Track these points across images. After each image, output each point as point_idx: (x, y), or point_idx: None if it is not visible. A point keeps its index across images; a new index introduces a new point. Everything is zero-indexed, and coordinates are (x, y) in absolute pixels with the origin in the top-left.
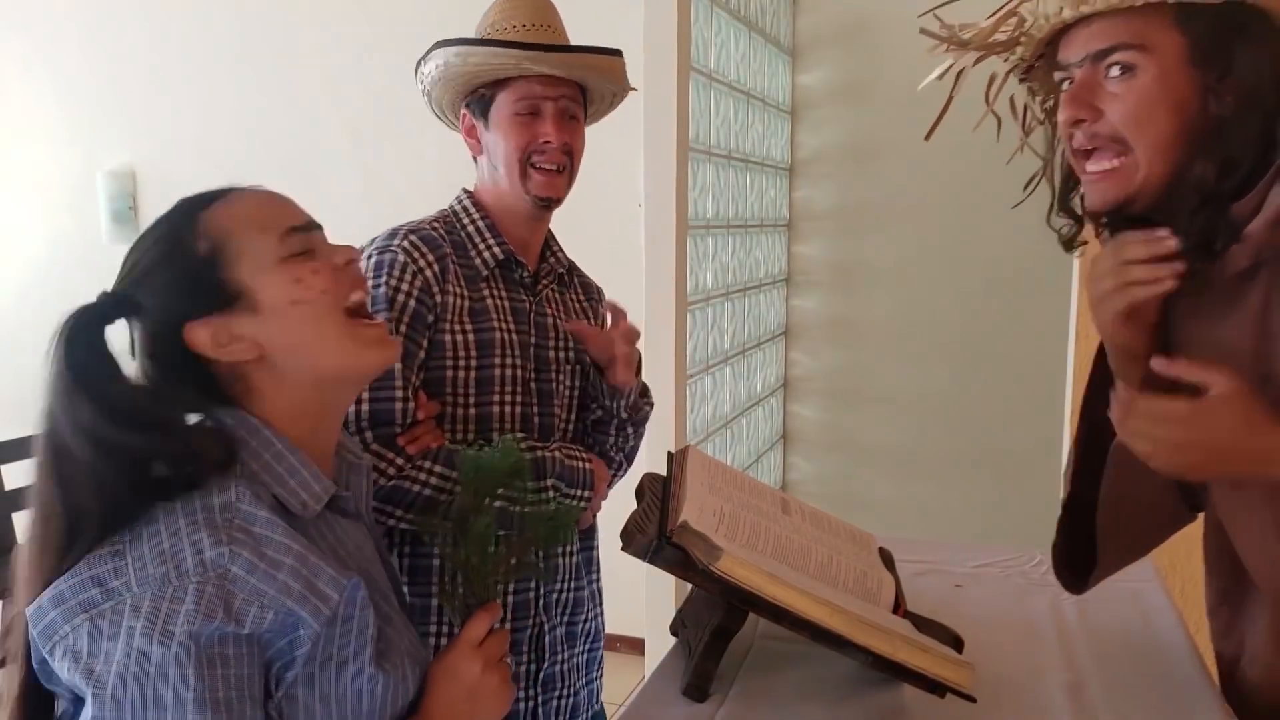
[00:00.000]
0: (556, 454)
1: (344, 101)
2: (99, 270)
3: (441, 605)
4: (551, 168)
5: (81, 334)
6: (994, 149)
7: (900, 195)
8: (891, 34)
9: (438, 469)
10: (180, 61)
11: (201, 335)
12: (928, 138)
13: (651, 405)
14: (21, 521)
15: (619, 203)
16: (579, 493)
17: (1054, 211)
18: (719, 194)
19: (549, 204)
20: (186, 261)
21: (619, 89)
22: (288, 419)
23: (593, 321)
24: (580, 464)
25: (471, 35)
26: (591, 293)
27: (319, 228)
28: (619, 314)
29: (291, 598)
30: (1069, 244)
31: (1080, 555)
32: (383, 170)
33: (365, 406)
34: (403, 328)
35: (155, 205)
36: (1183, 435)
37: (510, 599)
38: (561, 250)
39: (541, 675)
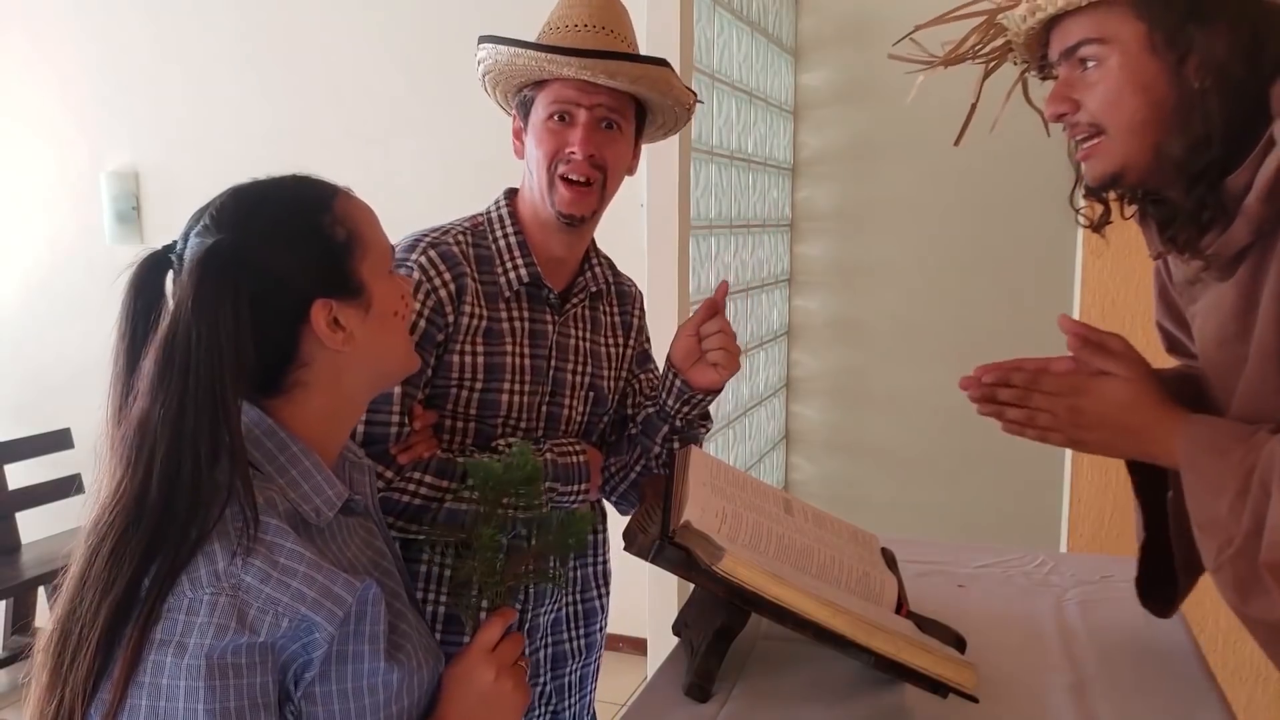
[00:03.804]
0: (549, 454)
1: (347, 101)
2: (102, 271)
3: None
4: (579, 179)
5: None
6: (995, 149)
7: (902, 195)
8: (893, 34)
9: (428, 479)
10: (183, 62)
11: (322, 315)
12: (957, 143)
13: (707, 430)
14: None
15: (621, 203)
16: (575, 488)
17: (1075, 192)
18: (721, 194)
19: (572, 221)
20: (326, 242)
21: (672, 100)
22: (315, 421)
23: (621, 336)
24: (573, 458)
25: (512, 31)
26: (627, 302)
27: None
28: (712, 307)
29: (305, 604)
30: (1098, 226)
31: (1163, 587)
32: (387, 170)
33: (360, 428)
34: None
35: (158, 206)
36: (1071, 404)
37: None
38: (602, 264)
39: (549, 689)
